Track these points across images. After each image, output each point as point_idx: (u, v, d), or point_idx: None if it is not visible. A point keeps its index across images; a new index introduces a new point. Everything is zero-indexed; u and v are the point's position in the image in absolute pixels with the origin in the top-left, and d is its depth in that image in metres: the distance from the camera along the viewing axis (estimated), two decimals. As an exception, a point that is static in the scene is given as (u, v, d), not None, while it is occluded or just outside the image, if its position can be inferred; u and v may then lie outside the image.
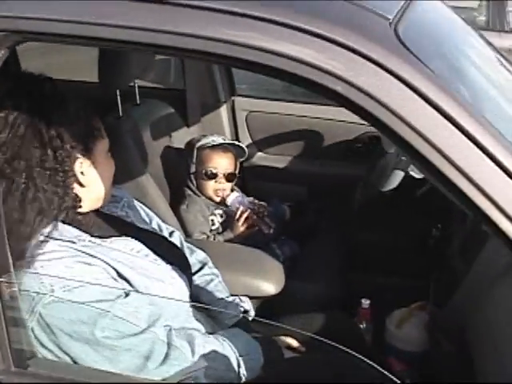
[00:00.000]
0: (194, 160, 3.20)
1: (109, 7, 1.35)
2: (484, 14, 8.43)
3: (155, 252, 2.01)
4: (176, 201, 3.21)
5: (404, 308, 2.83)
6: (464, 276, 2.20)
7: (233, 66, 2.13)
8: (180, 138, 3.45)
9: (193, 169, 3.21)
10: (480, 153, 1.25)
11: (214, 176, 3.19)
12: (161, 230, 2.33)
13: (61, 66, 3.99)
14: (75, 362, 1.70)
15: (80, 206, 1.87)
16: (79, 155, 1.83)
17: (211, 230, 3.15)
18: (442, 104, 1.24)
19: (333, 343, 1.37)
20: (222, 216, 3.22)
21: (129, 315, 1.75)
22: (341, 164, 3.61)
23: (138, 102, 3.27)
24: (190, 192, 3.22)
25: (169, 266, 2.01)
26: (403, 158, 2.68)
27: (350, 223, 3.39)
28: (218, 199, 3.23)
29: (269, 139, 3.75)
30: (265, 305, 2.69)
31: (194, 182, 3.22)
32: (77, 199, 1.85)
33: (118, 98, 3.01)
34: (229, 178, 3.23)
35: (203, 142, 3.22)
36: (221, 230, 3.17)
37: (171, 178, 3.30)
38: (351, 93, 1.24)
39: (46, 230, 1.76)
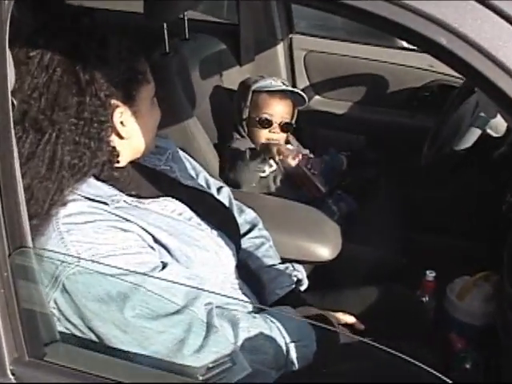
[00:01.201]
0: (248, 104, 2.90)
1: None
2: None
3: (200, 214, 1.78)
4: (224, 146, 2.94)
5: (467, 276, 2.57)
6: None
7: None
8: (231, 78, 3.20)
9: (246, 113, 2.92)
10: None
11: (268, 124, 2.90)
12: (208, 186, 2.11)
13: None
14: (101, 342, 1.48)
15: (117, 161, 1.65)
16: (119, 103, 1.59)
17: (260, 178, 2.86)
18: None
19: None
20: (270, 165, 2.90)
21: (164, 291, 1.52)
22: (406, 114, 3.33)
23: (187, 36, 3.00)
24: (238, 136, 2.94)
25: (214, 232, 1.79)
26: (481, 114, 2.37)
27: (414, 180, 3.08)
28: (267, 150, 2.90)
29: (328, 82, 3.48)
30: (319, 269, 2.44)
31: (246, 129, 2.94)
32: (114, 153, 1.63)
33: (165, 31, 2.74)
34: (284, 128, 2.93)
35: (260, 84, 2.92)
36: (272, 178, 2.89)
37: (220, 121, 3.05)
38: (458, 47, 0.94)
39: (76, 188, 1.54)
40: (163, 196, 1.74)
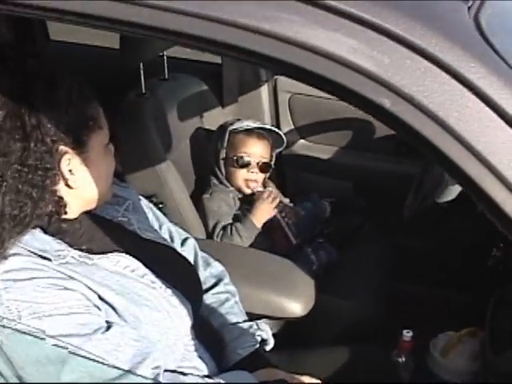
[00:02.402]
0: (225, 144, 2.82)
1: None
2: None
3: (156, 271, 1.67)
4: (201, 189, 2.87)
5: (452, 332, 2.47)
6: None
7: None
8: (213, 120, 3.11)
9: (223, 154, 2.83)
10: None
11: (246, 164, 2.82)
12: (171, 238, 2.00)
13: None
14: None
15: (65, 213, 1.54)
16: (67, 149, 1.49)
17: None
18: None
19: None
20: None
21: (107, 354, 1.42)
22: (392, 160, 3.23)
23: (167, 76, 2.90)
24: (215, 181, 2.85)
25: (169, 290, 1.67)
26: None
27: (398, 230, 2.98)
28: (247, 191, 2.85)
29: (313, 126, 3.38)
30: (289, 326, 2.33)
31: (223, 170, 2.85)
32: (60, 204, 1.52)
33: (142, 71, 2.65)
34: (262, 168, 2.85)
35: (237, 125, 2.84)
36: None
37: (199, 163, 2.96)
38: (403, 111, 0.83)
39: (18, 242, 1.44)
40: (117, 251, 1.63)
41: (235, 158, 2.81)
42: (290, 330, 2.34)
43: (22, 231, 1.44)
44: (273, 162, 2.92)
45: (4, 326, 1.34)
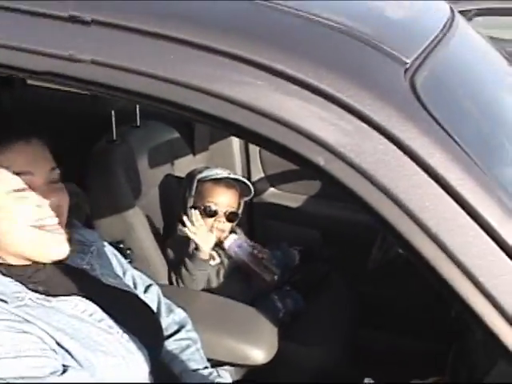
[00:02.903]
0: (193, 193, 2.82)
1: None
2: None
3: (114, 316, 1.67)
4: (169, 236, 2.86)
5: (417, 381, 2.46)
6: (486, 372, 1.82)
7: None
8: (184, 167, 3.11)
9: (190, 202, 2.82)
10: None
11: (213, 213, 2.80)
12: (135, 285, 2.00)
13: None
14: None
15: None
16: None
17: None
18: (468, 196, 0.86)
19: None
20: (213, 259, 2.81)
21: None
22: (360, 210, 3.21)
23: (138, 123, 2.91)
24: (181, 228, 2.82)
25: (126, 336, 1.67)
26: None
27: (363, 279, 2.99)
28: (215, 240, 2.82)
29: (283, 175, 3.39)
30: (251, 372, 2.33)
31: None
32: None
33: (113, 118, 2.67)
34: (230, 217, 2.85)
35: (205, 174, 2.85)
36: (214, 273, 2.79)
37: (168, 210, 2.95)
38: (337, 169, 0.86)
39: None
40: (76, 295, 1.64)
41: (202, 207, 2.80)
42: (251, 378, 2.33)
43: None
44: (240, 211, 2.92)
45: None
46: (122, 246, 2.57)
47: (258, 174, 3.45)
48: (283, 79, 0.89)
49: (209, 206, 2.80)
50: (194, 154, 3.26)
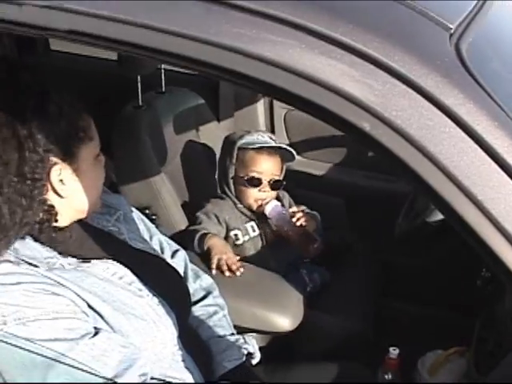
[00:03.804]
0: (234, 161, 2.71)
1: None
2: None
3: (144, 279, 1.68)
4: (195, 202, 2.83)
5: (439, 350, 2.46)
6: (512, 345, 1.82)
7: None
8: (208, 134, 3.11)
9: (232, 172, 2.73)
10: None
11: (258, 183, 2.70)
12: (162, 249, 2.01)
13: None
14: None
15: (56, 221, 1.55)
16: (58, 160, 1.51)
17: (235, 245, 2.71)
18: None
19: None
20: (249, 232, 2.75)
21: (94, 359, 1.42)
22: (386, 179, 3.22)
23: (164, 89, 2.91)
24: (225, 197, 2.77)
25: (155, 299, 1.68)
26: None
27: (388, 248, 2.98)
28: (255, 207, 2.75)
29: (308, 142, 3.38)
30: (277, 340, 2.34)
31: (232, 188, 2.75)
32: (52, 213, 1.54)
33: (139, 84, 2.67)
34: (274, 186, 2.74)
35: (246, 140, 2.72)
36: (248, 247, 2.74)
37: (195, 177, 2.95)
38: (382, 134, 0.85)
39: (9, 248, 1.46)
40: (106, 258, 1.65)
41: (246, 177, 2.70)
42: (277, 345, 2.33)
43: (11, 240, 1.46)
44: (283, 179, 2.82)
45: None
46: (147, 212, 2.57)
47: (282, 141, 3.40)
48: (330, 43, 0.88)
49: (253, 177, 2.70)
50: (219, 121, 3.25)
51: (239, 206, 2.75)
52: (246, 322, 2.20)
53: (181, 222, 2.67)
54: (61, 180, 1.52)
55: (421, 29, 0.98)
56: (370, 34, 0.90)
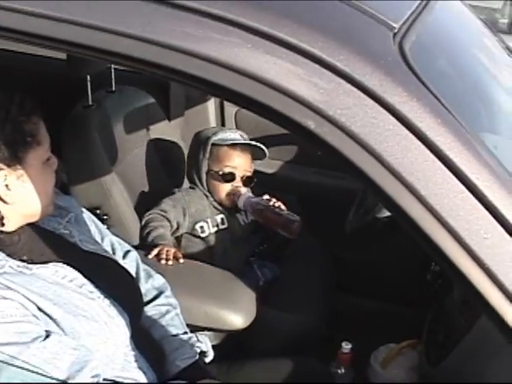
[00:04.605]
0: (207, 156, 2.75)
1: None
2: (506, 17, 7.98)
3: (94, 281, 1.68)
4: (147, 201, 2.81)
5: (392, 344, 2.50)
6: (463, 335, 1.85)
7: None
8: (159, 133, 3.09)
9: (205, 166, 2.77)
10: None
11: (231, 178, 2.76)
12: (113, 250, 2.00)
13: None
14: None
15: (2, 224, 1.55)
16: (3, 166, 1.50)
17: (199, 238, 2.73)
18: (457, 160, 0.87)
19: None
20: (218, 224, 2.77)
21: (45, 362, 1.43)
22: (336, 175, 3.24)
23: (114, 88, 2.89)
24: (195, 189, 2.80)
25: (107, 301, 1.68)
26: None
27: (339, 243, 3.00)
28: (229, 203, 2.79)
29: (259, 141, 3.34)
30: (229, 336, 2.34)
31: (204, 183, 2.79)
32: None
33: (88, 83, 2.65)
34: (246, 182, 2.80)
35: (220, 137, 2.78)
36: (214, 240, 2.75)
37: (146, 176, 2.94)
38: (327, 132, 0.87)
39: None
40: (56, 261, 1.64)
41: (221, 172, 2.76)
42: (230, 342, 2.34)
43: None
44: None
45: None
46: (98, 212, 2.56)
47: (233, 139, 3.40)
48: (274, 43, 0.89)
49: (228, 171, 2.76)
50: (170, 120, 3.24)
51: (210, 199, 2.78)
52: (198, 321, 2.20)
53: (132, 222, 2.65)
54: (6, 185, 1.51)
55: (365, 28, 1.00)
56: (314, 34, 0.91)
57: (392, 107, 0.90)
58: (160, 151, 3.04)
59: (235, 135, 2.84)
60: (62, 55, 2.63)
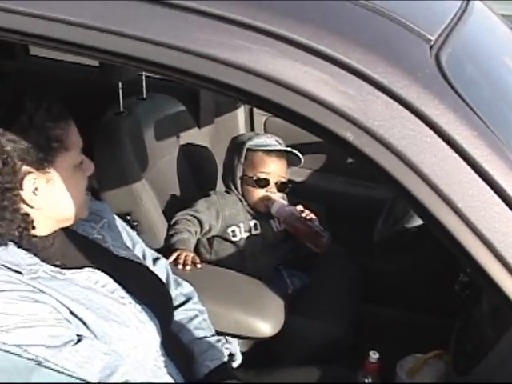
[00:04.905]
0: (243, 161, 2.76)
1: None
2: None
3: (126, 287, 1.69)
4: (176, 208, 2.82)
5: (418, 354, 2.49)
6: (491, 346, 1.84)
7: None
8: (189, 140, 3.11)
9: (240, 171, 2.77)
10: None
11: (265, 184, 2.75)
12: (144, 257, 2.02)
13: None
14: None
15: (33, 228, 1.56)
16: (31, 170, 1.51)
17: (231, 242, 2.75)
18: (493, 172, 0.87)
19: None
20: (250, 229, 2.77)
21: (77, 366, 1.44)
22: (365, 185, 3.24)
23: (145, 95, 2.92)
24: (230, 193, 2.81)
25: (138, 306, 1.69)
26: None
27: (367, 253, 3.00)
28: (262, 209, 2.79)
29: (289, 148, 3.38)
30: (258, 346, 2.35)
31: (239, 188, 2.80)
32: (27, 221, 1.54)
33: (120, 90, 2.67)
34: (280, 187, 2.79)
35: (255, 142, 2.78)
36: (245, 245, 2.75)
37: (176, 183, 2.97)
38: (365, 144, 0.88)
39: None
40: (89, 266, 1.65)
41: (255, 178, 2.75)
42: (258, 350, 2.35)
43: None
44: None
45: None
46: (129, 218, 2.58)
47: (262, 147, 3.41)
48: (313, 54, 0.90)
49: (262, 177, 2.75)
50: (200, 127, 3.25)
51: (245, 203, 2.78)
52: (226, 328, 2.20)
53: (161, 228, 2.67)
54: (35, 188, 1.52)
55: (402, 40, 1.00)
56: (352, 46, 0.92)
57: (429, 119, 0.91)
58: (190, 158, 3.06)
59: (271, 140, 2.82)
60: (95, 62, 2.66)
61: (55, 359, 1.40)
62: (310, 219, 2.73)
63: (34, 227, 1.55)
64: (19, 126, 1.47)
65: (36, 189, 1.52)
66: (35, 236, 1.57)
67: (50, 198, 1.56)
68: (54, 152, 1.53)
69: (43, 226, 1.58)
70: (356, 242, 3.03)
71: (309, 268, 2.89)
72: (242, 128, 3.39)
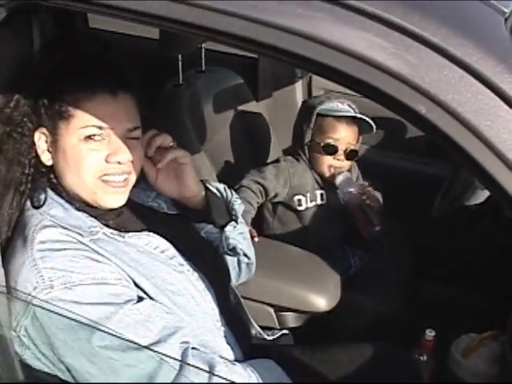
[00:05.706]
0: (312, 126, 2.65)
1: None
2: None
3: (184, 253, 1.72)
4: (234, 181, 2.80)
5: (474, 334, 2.47)
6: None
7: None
8: (247, 113, 3.10)
9: (308, 137, 2.66)
10: None
11: (333, 150, 2.64)
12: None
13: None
14: (70, 372, 1.44)
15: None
16: (44, 131, 1.58)
17: (296, 211, 2.71)
18: None
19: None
20: (316, 199, 2.73)
21: (138, 324, 1.46)
22: (423, 161, 3.20)
23: (204, 68, 2.92)
24: (299, 160, 2.74)
25: (196, 274, 1.71)
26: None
27: (425, 230, 2.97)
28: (328, 174, 2.70)
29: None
30: (313, 319, 2.36)
31: (307, 153, 2.70)
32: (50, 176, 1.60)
33: (180, 62, 2.67)
34: (349, 155, 2.68)
35: (326, 106, 2.66)
36: (310, 215, 2.72)
37: (234, 156, 2.97)
38: (438, 117, 0.86)
39: (53, 215, 1.52)
40: (148, 231, 1.67)
41: (322, 144, 2.65)
42: (314, 325, 2.35)
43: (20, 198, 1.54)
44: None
45: (38, 295, 1.39)
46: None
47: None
48: (386, 26, 0.89)
49: (330, 143, 2.65)
50: (258, 100, 3.24)
51: (314, 173, 2.72)
52: (284, 301, 2.24)
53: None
54: (48, 150, 1.56)
55: (477, 13, 0.98)
56: (427, 19, 0.90)
57: (503, 93, 0.89)
58: (247, 131, 3.05)
59: (343, 106, 2.69)
60: (155, 35, 2.67)
61: (117, 316, 1.43)
62: (369, 204, 2.68)
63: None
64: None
65: (48, 149, 1.56)
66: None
67: (64, 164, 1.57)
68: (61, 117, 1.54)
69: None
70: (413, 219, 3.00)
71: (367, 246, 2.86)
72: (299, 102, 3.35)
